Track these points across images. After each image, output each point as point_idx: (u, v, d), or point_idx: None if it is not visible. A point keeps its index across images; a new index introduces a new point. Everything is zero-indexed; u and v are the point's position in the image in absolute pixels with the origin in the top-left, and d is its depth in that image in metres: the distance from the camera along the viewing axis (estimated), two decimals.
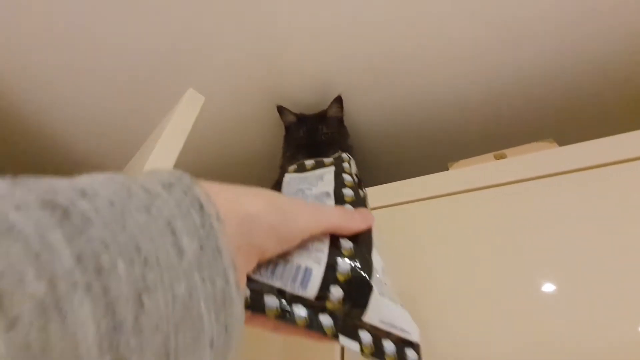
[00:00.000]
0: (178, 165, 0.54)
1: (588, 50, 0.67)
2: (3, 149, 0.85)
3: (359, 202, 0.31)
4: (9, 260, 0.11)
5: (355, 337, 0.25)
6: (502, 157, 0.57)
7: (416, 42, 0.67)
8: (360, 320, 0.25)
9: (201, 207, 0.18)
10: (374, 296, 0.25)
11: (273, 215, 0.22)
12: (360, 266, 0.26)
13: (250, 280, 0.24)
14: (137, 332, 0.14)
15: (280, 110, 0.79)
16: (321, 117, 0.78)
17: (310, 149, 0.74)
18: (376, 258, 0.27)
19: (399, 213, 0.55)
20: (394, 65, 0.72)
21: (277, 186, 0.41)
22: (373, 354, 0.25)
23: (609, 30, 0.64)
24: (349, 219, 0.27)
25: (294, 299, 0.24)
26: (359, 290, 0.25)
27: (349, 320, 0.25)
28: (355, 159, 0.85)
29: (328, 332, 0.24)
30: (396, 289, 0.28)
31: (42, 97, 0.76)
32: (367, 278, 0.25)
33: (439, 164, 0.64)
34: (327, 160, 0.37)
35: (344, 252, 0.26)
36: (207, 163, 0.93)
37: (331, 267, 0.25)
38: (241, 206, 0.20)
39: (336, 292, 0.24)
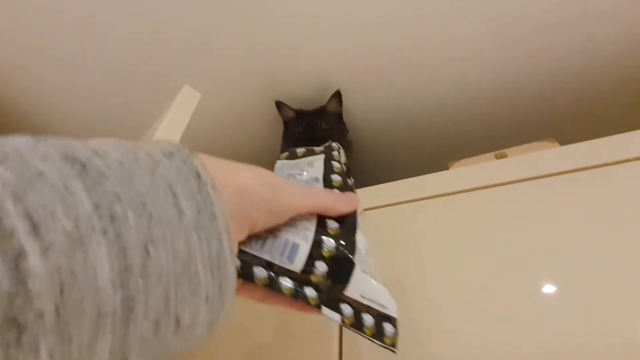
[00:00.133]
0: None
1: (590, 49, 0.67)
2: None
3: (347, 188, 0.33)
4: (43, 199, 0.13)
5: (337, 309, 0.27)
6: (503, 156, 0.57)
7: (417, 41, 0.67)
8: (343, 294, 0.27)
9: (198, 175, 0.19)
10: (356, 272, 0.27)
11: (265, 189, 0.23)
12: (344, 244, 0.28)
13: (241, 252, 0.26)
14: (144, 275, 0.15)
15: (279, 105, 0.79)
16: (320, 112, 0.77)
17: (309, 145, 0.74)
18: (360, 239, 0.29)
19: (398, 213, 0.54)
20: (395, 63, 0.71)
21: None
22: (352, 325, 0.27)
23: (610, 30, 0.64)
24: (336, 201, 0.29)
25: (282, 271, 0.26)
26: (342, 266, 0.27)
27: (332, 293, 0.27)
28: (355, 156, 0.85)
29: (312, 302, 0.26)
30: (379, 269, 0.30)
31: (40, 95, 0.76)
32: (350, 256, 0.27)
33: (439, 164, 0.64)
34: (317, 148, 0.39)
35: (330, 231, 0.28)
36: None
37: (317, 244, 0.27)
38: (236, 178, 0.22)
39: (321, 267, 0.26)
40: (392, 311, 0.28)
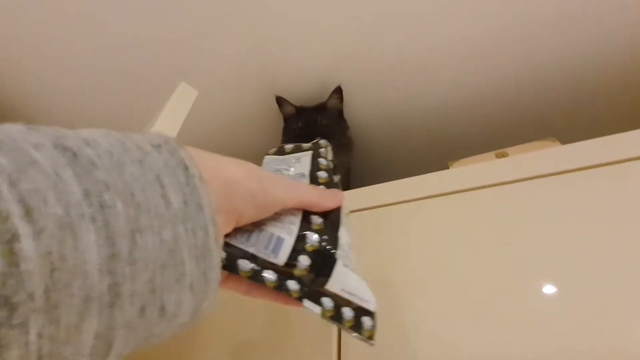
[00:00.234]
0: None
1: (592, 48, 0.67)
2: None
3: (332, 184, 0.34)
4: (36, 185, 0.14)
5: (318, 302, 0.27)
6: (504, 155, 0.57)
7: (418, 39, 0.67)
8: (324, 287, 0.28)
9: (186, 167, 0.19)
10: (337, 267, 0.28)
11: (252, 183, 0.24)
12: (327, 239, 0.28)
13: (227, 244, 0.26)
14: (131, 263, 0.16)
15: (280, 101, 0.78)
16: (320, 108, 0.77)
17: (309, 141, 0.73)
18: (343, 234, 0.30)
19: (398, 212, 0.54)
20: (395, 62, 0.71)
21: None
22: (332, 317, 0.27)
23: (612, 29, 0.63)
24: (321, 197, 0.30)
25: (265, 264, 0.27)
26: (324, 261, 0.28)
27: (314, 286, 0.27)
28: (354, 154, 0.84)
29: (294, 295, 0.27)
30: (360, 264, 0.31)
31: (38, 93, 0.75)
32: (333, 251, 0.28)
33: (439, 163, 0.63)
34: (305, 145, 0.40)
35: (314, 226, 0.29)
36: None
37: (301, 238, 0.28)
38: (224, 171, 0.23)
39: (304, 260, 0.27)
40: (371, 305, 0.29)
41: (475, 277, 0.44)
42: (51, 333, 0.14)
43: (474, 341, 0.41)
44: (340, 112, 0.79)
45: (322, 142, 0.40)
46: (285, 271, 0.27)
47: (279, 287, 0.27)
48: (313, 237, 0.28)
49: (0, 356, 0.12)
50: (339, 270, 0.28)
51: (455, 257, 0.47)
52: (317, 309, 0.27)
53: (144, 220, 0.16)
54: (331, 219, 0.30)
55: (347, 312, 0.28)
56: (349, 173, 0.84)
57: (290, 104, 0.78)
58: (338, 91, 0.75)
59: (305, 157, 0.37)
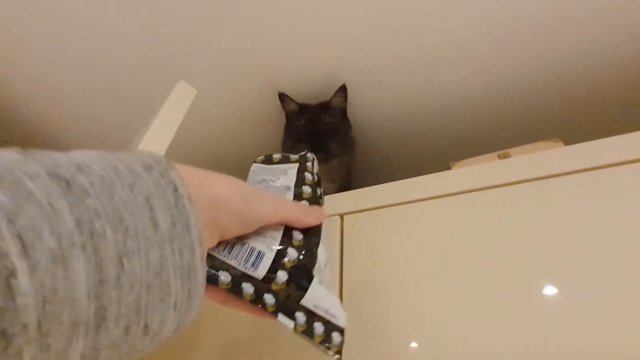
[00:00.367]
0: (174, 160, 0.53)
1: (594, 49, 0.66)
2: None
3: (315, 200, 0.36)
4: (32, 221, 0.14)
5: (292, 317, 0.28)
6: (506, 156, 0.56)
7: (421, 39, 0.67)
8: (298, 303, 0.29)
9: (175, 189, 0.20)
10: (313, 284, 0.29)
11: (240, 202, 0.25)
12: (306, 256, 0.29)
13: (208, 256, 0.27)
14: (117, 287, 0.16)
15: (282, 97, 0.77)
16: (324, 106, 0.76)
17: (311, 139, 0.73)
18: (321, 251, 0.31)
19: (399, 213, 0.54)
20: (398, 62, 0.71)
21: None
22: (304, 332, 0.28)
23: (615, 29, 0.63)
24: (303, 215, 0.31)
25: (245, 277, 0.28)
26: (301, 277, 0.29)
27: (289, 301, 0.28)
28: (357, 153, 0.84)
29: (270, 309, 0.28)
30: (333, 281, 0.33)
31: (39, 93, 0.75)
32: (311, 267, 0.29)
33: (440, 163, 0.63)
34: (293, 156, 0.41)
35: (294, 242, 0.30)
36: (205, 157, 0.93)
37: (281, 253, 0.29)
38: (213, 189, 0.24)
39: (282, 275, 0.28)
40: (341, 322, 0.30)
41: (477, 278, 0.44)
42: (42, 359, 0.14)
43: (476, 342, 0.41)
44: (344, 111, 0.79)
45: (309, 155, 0.42)
46: (263, 285, 0.28)
47: (256, 301, 0.28)
48: (292, 253, 0.29)
49: None
50: (314, 286, 0.29)
51: (458, 258, 0.46)
52: (290, 323, 0.28)
53: (131, 244, 0.17)
54: (311, 235, 0.31)
55: (319, 327, 0.29)
56: (351, 173, 0.84)
57: (293, 101, 0.77)
58: (343, 89, 0.75)
59: (292, 170, 0.39)
